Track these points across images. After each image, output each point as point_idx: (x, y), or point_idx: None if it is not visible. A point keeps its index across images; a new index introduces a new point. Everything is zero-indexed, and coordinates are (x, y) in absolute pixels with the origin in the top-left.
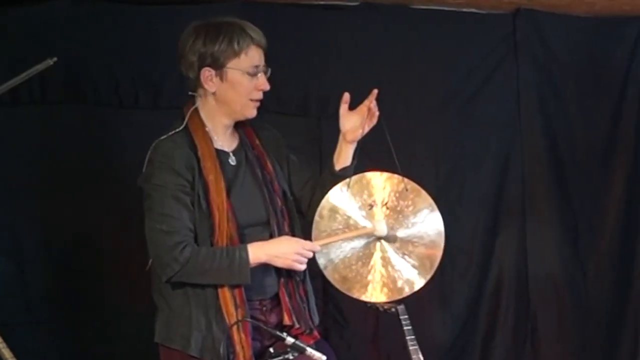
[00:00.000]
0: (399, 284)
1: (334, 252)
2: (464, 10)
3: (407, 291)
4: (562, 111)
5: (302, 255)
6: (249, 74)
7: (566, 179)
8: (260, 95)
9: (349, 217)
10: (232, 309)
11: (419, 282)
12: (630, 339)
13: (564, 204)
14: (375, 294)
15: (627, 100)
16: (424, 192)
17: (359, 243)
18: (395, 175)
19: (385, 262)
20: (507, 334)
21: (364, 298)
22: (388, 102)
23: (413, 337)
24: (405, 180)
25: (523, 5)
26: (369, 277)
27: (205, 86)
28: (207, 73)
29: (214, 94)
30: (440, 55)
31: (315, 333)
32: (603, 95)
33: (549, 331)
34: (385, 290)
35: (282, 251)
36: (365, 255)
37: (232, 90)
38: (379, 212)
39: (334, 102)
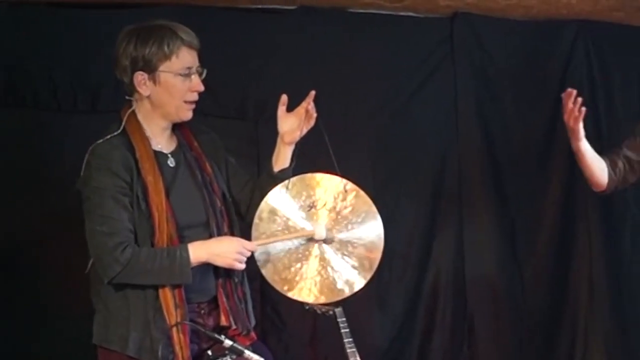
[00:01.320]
0: (339, 284)
1: (273, 253)
2: (401, 14)
3: (347, 292)
4: (499, 114)
5: (242, 254)
6: (181, 75)
7: (503, 181)
8: (195, 97)
9: (288, 219)
10: (172, 309)
11: (359, 283)
12: (567, 340)
13: (501, 206)
14: (314, 295)
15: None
16: (363, 193)
17: (298, 244)
18: (335, 177)
19: (325, 263)
20: (445, 336)
21: (303, 299)
22: (326, 104)
23: (351, 339)
24: (345, 181)
25: (460, 9)
26: (308, 278)
27: (139, 90)
28: (140, 77)
29: (148, 97)
30: (378, 58)
31: (253, 335)
32: (540, 98)
33: (486, 332)
34: (325, 291)
35: (222, 250)
36: (304, 257)
37: (166, 93)
38: (318, 214)
39: (271, 105)
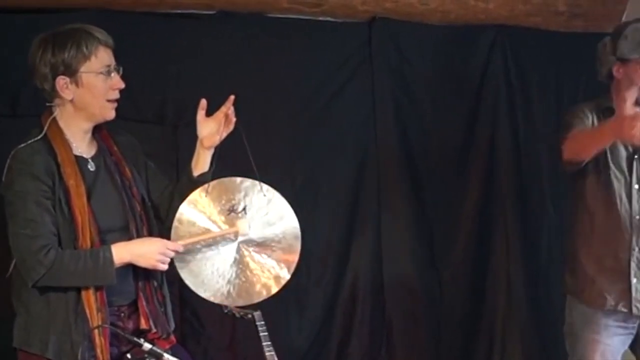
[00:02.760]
0: (257, 287)
1: (192, 256)
2: (320, 18)
3: (264, 295)
4: (418, 119)
5: (165, 255)
6: (102, 74)
7: (421, 185)
8: (116, 95)
9: (208, 223)
10: (94, 312)
11: (277, 287)
12: (485, 343)
13: (419, 210)
14: (232, 298)
15: (482, 108)
16: (281, 197)
17: (217, 247)
18: (254, 181)
19: (243, 266)
20: (363, 340)
21: (221, 302)
22: (245, 109)
23: (269, 342)
24: (263, 185)
25: (378, 14)
26: (226, 281)
27: (62, 94)
28: (62, 81)
29: (71, 100)
30: (296, 62)
31: (172, 338)
32: (458, 102)
33: (404, 336)
34: (243, 294)
35: (145, 251)
36: (222, 259)
37: (89, 94)
38: (238, 217)
39: (191, 110)
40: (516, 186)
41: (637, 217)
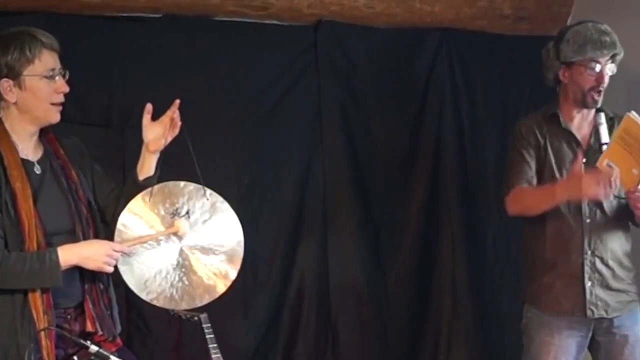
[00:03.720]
0: (200, 291)
1: (136, 259)
2: (266, 22)
3: (207, 298)
4: (363, 121)
5: (111, 256)
6: (46, 78)
7: (367, 189)
8: (61, 98)
9: (151, 226)
10: (41, 314)
11: (219, 290)
12: (431, 345)
13: (365, 213)
14: (176, 301)
15: (427, 111)
16: (224, 201)
17: (160, 251)
18: (197, 185)
19: (186, 269)
20: (309, 342)
21: (165, 305)
22: (191, 112)
23: (215, 345)
24: (207, 189)
25: (324, 17)
26: (171, 285)
27: (6, 97)
28: (5, 84)
29: (15, 103)
30: (243, 66)
31: (118, 340)
32: (404, 105)
33: (350, 338)
34: (187, 297)
35: (92, 253)
36: (166, 263)
37: (33, 97)
38: (181, 221)
39: (137, 113)
40: (461, 188)
41: (588, 220)
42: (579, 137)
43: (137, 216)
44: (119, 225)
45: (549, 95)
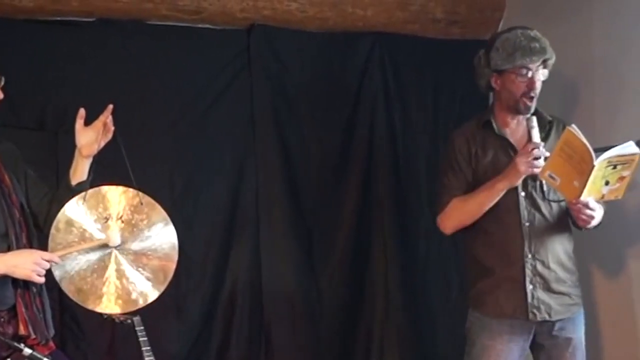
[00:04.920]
0: (133, 295)
1: (69, 264)
2: (199, 26)
3: (141, 303)
4: (296, 125)
5: (40, 265)
6: None
7: (300, 192)
8: None
9: (84, 230)
10: None
11: (153, 294)
12: (363, 348)
13: (298, 216)
14: (110, 305)
15: (360, 114)
16: (158, 206)
17: (94, 256)
18: (131, 189)
19: (120, 274)
20: (242, 345)
21: (98, 310)
22: (124, 117)
23: (148, 347)
24: (140, 194)
25: (257, 21)
26: (104, 289)
27: None
28: None
29: None
30: (176, 70)
31: (52, 344)
32: (337, 108)
33: (283, 342)
34: (120, 302)
35: (20, 262)
36: (100, 268)
37: None
38: (114, 225)
39: (70, 116)
40: (394, 191)
41: (527, 224)
42: (513, 142)
43: (70, 221)
44: (52, 230)
45: (480, 99)
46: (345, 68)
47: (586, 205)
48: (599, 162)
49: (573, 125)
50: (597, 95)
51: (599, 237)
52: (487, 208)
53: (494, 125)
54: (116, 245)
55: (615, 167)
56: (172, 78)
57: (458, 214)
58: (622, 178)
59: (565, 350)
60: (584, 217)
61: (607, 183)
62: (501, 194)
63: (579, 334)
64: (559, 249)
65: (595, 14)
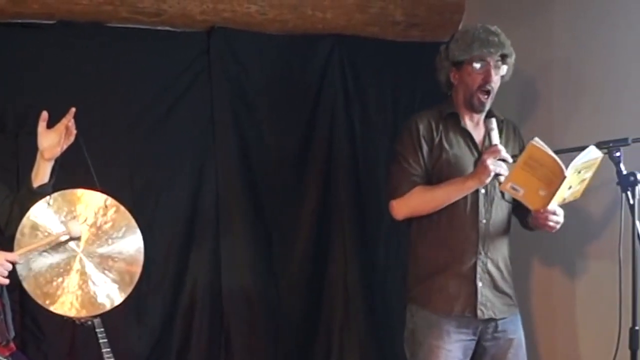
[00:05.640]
0: (99, 299)
1: (34, 266)
2: (159, 28)
3: (107, 306)
4: (256, 127)
5: (3, 267)
6: None
7: (260, 193)
8: None
9: (49, 234)
10: None
11: (119, 297)
12: (323, 349)
13: (258, 218)
14: (76, 308)
15: (319, 117)
16: (123, 209)
17: (59, 258)
18: (95, 192)
19: (86, 277)
20: (202, 347)
21: (65, 313)
22: (85, 120)
23: (109, 349)
24: (105, 196)
25: (217, 24)
26: (70, 292)
27: None
28: None
29: None
30: (136, 72)
31: (12, 345)
32: (297, 111)
33: (243, 344)
34: (86, 305)
35: None
36: (65, 271)
37: None
38: (73, 222)
39: (32, 119)
40: (353, 192)
41: (484, 221)
42: (476, 138)
43: (35, 224)
44: (17, 235)
45: (440, 100)
46: (305, 70)
47: (553, 213)
48: (570, 172)
49: (536, 139)
50: (556, 96)
51: (539, 240)
52: (449, 202)
53: (460, 117)
54: (77, 236)
55: (579, 172)
56: (133, 80)
57: (418, 202)
58: (582, 180)
59: (507, 350)
60: (551, 223)
61: (569, 187)
62: (468, 192)
63: (519, 334)
64: (505, 250)
65: (556, 16)
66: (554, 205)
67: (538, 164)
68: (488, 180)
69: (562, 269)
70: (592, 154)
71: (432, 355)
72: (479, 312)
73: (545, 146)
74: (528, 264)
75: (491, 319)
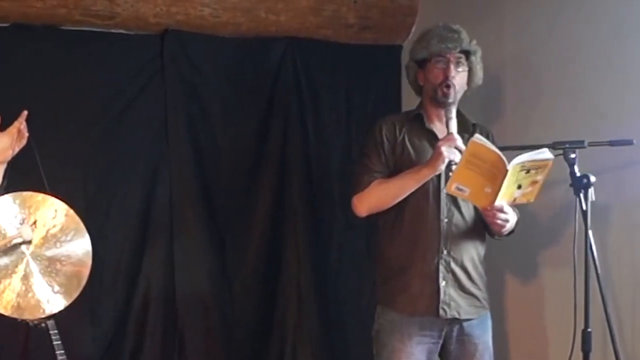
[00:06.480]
0: (46, 302)
1: None
2: (113, 31)
3: (54, 310)
4: (209, 129)
5: None
6: None
7: (213, 196)
8: None
9: (4, 236)
10: None
11: (67, 300)
12: (276, 352)
13: (212, 220)
14: (22, 310)
15: (273, 119)
16: (72, 212)
17: (7, 261)
18: (45, 196)
19: (33, 279)
20: (155, 349)
21: (10, 315)
22: (38, 123)
23: (63, 351)
24: (55, 200)
25: (170, 27)
26: (16, 294)
27: None
28: None
29: None
30: (90, 75)
31: None
32: (250, 113)
33: (197, 346)
34: (35, 308)
35: None
36: (12, 273)
37: None
38: (24, 227)
39: None
40: (307, 195)
41: (446, 220)
42: (440, 137)
43: None
44: None
45: (393, 102)
46: (258, 73)
47: (500, 210)
48: (512, 166)
49: (477, 135)
50: (510, 95)
51: (511, 245)
52: (407, 193)
53: (425, 118)
54: (29, 239)
55: (528, 171)
56: (86, 83)
57: (378, 195)
58: (534, 182)
59: (473, 355)
60: (499, 222)
61: (519, 187)
62: (424, 181)
63: (486, 338)
64: (473, 251)
65: (507, 16)
66: (500, 202)
67: (481, 161)
68: (442, 167)
69: (530, 271)
70: (543, 155)
71: (395, 357)
72: (441, 312)
73: (486, 141)
74: (498, 266)
75: (455, 320)
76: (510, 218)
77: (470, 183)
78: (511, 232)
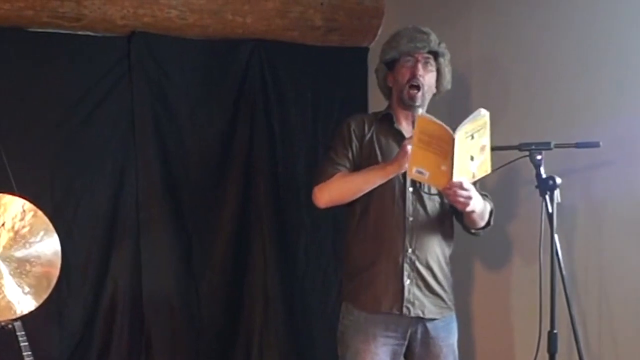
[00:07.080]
0: (16, 303)
1: None
2: (80, 33)
3: (24, 311)
4: (176, 131)
5: None
6: None
7: (180, 197)
8: None
9: None
10: None
11: (37, 301)
12: (243, 354)
13: (178, 222)
14: None
15: (239, 120)
16: (40, 213)
17: None
18: (14, 197)
19: (4, 281)
20: (122, 351)
21: None
22: (5, 124)
23: (30, 353)
24: (23, 201)
25: (137, 29)
26: None
27: None
28: None
29: None
30: (57, 77)
31: None
32: (217, 115)
33: (164, 347)
34: (6, 309)
35: None
36: None
37: None
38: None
39: None
40: (273, 196)
41: (411, 219)
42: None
43: None
44: None
45: (359, 104)
46: (225, 75)
47: (460, 186)
48: (458, 134)
49: (421, 111)
50: (477, 97)
51: (477, 246)
52: (370, 188)
53: (394, 118)
54: None
55: (473, 137)
56: (53, 84)
57: (340, 187)
58: (482, 148)
59: (437, 357)
60: (461, 199)
61: (472, 159)
62: (388, 178)
63: (451, 340)
64: (438, 251)
65: (474, 17)
66: (459, 178)
67: (430, 137)
68: (407, 165)
69: (496, 273)
70: (479, 114)
71: (359, 358)
72: (404, 310)
73: (431, 117)
74: (464, 267)
75: (420, 319)
76: (473, 195)
77: (427, 163)
78: (487, 225)
